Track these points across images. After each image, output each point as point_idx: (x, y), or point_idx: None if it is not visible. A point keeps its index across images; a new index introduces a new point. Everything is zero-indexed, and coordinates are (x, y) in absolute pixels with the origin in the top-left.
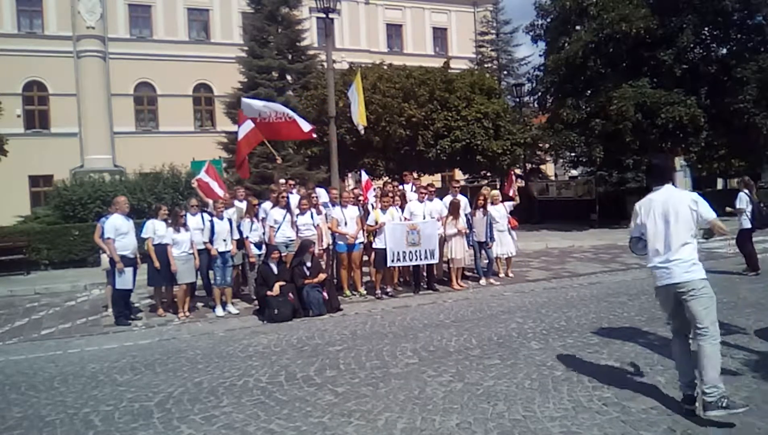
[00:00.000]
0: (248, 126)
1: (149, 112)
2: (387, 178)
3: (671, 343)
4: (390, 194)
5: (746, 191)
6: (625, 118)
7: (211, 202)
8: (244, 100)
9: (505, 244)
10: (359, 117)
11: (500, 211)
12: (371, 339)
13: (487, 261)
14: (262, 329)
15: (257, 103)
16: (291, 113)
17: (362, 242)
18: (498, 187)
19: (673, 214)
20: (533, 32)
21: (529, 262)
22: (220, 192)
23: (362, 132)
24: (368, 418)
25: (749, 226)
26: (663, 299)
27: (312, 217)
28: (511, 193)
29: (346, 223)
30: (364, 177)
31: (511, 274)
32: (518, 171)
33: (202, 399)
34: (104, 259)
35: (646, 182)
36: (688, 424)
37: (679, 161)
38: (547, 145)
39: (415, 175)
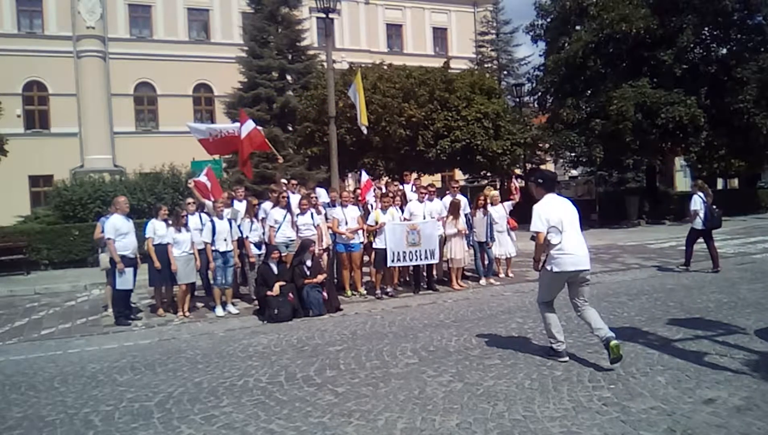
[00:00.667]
0: (249, 126)
1: (149, 112)
2: (387, 178)
3: (547, 316)
4: (390, 194)
5: (700, 194)
6: (625, 118)
7: (208, 202)
8: (190, 124)
9: (504, 245)
10: (361, 117)
11: (500, 212)
12: (371, 339)
13: (488, 261)
14: (262, 329)
15: (201, 126)
16: (235, 127)
17: (362, 242)
18: (498, 187)
19: (573, 215)
20: (533, 32)
21: (529, 262)
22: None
23: (365, 132)
24: (368, 418)
25: (701, 227)
26: (562, 281)
27: (312, 217)
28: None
29: (346, 223)
30: (365, 177)
31: (511, 274)
32: (518, 171)
33: (202, 399)
34: (103, 258)
35: (537, 193)
36: (688, 424)
37: (679, 161)
38: (547, 145)
39: (415, 175)
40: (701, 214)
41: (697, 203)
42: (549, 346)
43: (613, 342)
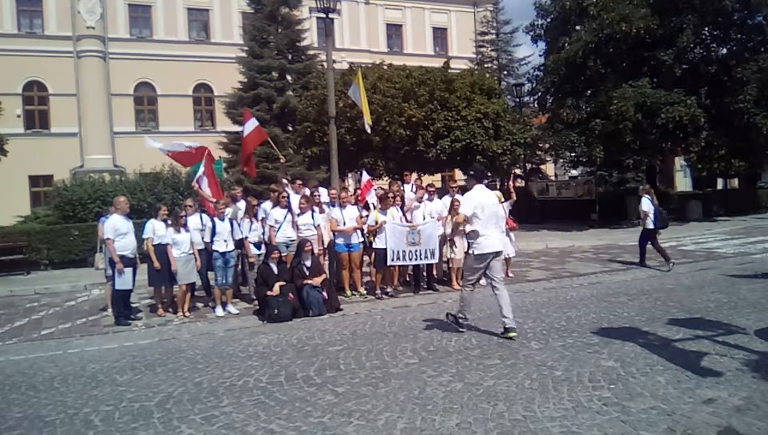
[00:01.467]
0: (252, 124)
1: (149, 112)
2: (388, 178)
3: (467, 296)
4: (391, 195)
5: (649, 196)
6: (625, 118)
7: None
8: (147, 138)
9: (504, 245)
10: (366, 117)
11: (500, 213)
12: (371, 339)
13: None
14: (262, 329)
15: (156, 144)
16: (186, 144)
17: (362, 242)
18: (497, 187)
19: (494, 204)
20: (533, 32)
21: (529, 262)
22: (207, 190)
23: (369, 131)
24: (368, 418)
25: (652, 226)
26: (484, 262)
27: (312, 216)
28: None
29: (344, 224)
30: (365, 177)
31: (511, 275)
32: (518, 171)
33: (202, 399)
34: (98, 258)
35: (469, 183)
36: (688, 424)
37: (679, 161)
38: (547, 145)
39: (415, 175)
40: (651, 215)
41: (647, 205)
42: (455, 316)
43: (512, 333)
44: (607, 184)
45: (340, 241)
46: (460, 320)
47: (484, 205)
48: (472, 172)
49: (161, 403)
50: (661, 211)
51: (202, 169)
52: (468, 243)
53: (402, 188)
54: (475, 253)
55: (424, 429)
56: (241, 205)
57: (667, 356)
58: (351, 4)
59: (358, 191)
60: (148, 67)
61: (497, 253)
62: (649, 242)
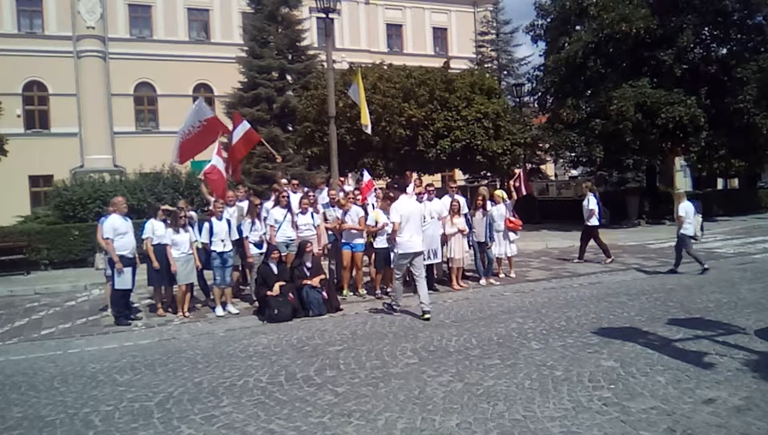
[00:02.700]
0: (243, 128)
1: (149, 112)
2: (389, 178)
3: (398, 286)
4: (392, 195)
5: (595, 194)
6: (625, 118)
7: (211, 199)
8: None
9: (503, 244)
10: (363, 118)
11: (500, 211)
12: (371, 339)
13: (488, 261)
14: (262, 329)
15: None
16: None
17: (364, 243)
18: (498, 187)
19: (417, 212)
20: (533, 32)
21: (529, 262)
22: (225, 173)
23: (369, 132)
24: (368, 418)
25: (597, 223)
26: (407, 259)
27: (312, 216)
28: (523, 189)
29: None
30: (366, 177)
31: (512, 274)
32: (517, 170)
33: (202, 399)
34: (98, 259)
35: (394, 195)
36: (688, 424)
37: (679, 161)
38: (547, 145)
39: (415, 175)
40: (597, 212)
41: (593, 202)
42: (389, 304)
43: (427, 315)
44: (607, 184)
45: (345, 239)
46: (394, 307)
47: (409, 214)
48: (396, 185)
49: (161, 403)
50: (604, 209)
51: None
52: (390, 245)
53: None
54: (399, 252)
55: (424, 429)
56: (243, 205)
57: (667, 356)
58: (351, 4)
59: (356, 192)
60: (148, 67)
61: (418, 253)
62: (592, 239)
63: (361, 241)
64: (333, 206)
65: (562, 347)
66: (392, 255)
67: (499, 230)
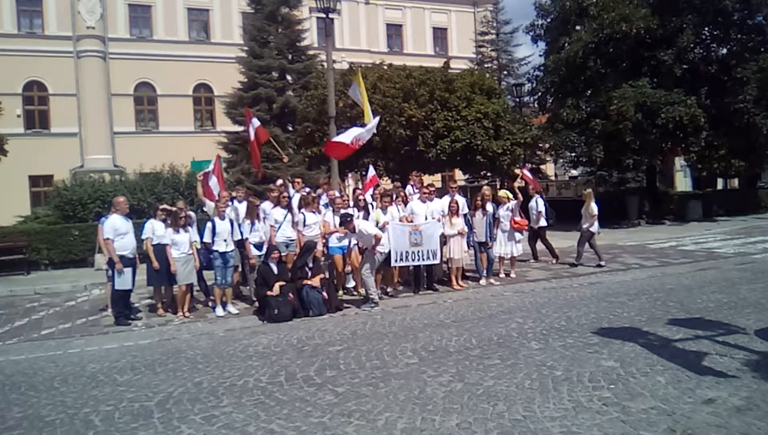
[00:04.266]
0: (256, 123)
1: (149, 112)
2: (389, 179)
3: (370, 280)
4: (392, 195)
5: (542, 196)
6: (625, 118)
7: (210, 203)
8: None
9: (507, 244)
10: (366, 116)
11: (506, 211)
12: (371, 339)
13: (488, 261)
14: (262, 329)
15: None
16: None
17: (357, 244)
18: (498, 187)
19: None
20: (533, 32)
21: (529, 262)
22: (216, 189)
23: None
24: (368, 418)
25: (545, 224)
26: (379, 259)
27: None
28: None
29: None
30: (371, 172)
31: (513, 274)
32: (518, 171)
33: (202, 399)
34: (98, 259)
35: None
36: (688, 424)
37: (679, 161)
38: (547, 145)
39: (415, 173)
40: (544, 214)
41: (541, 204)
42: (368, 298)
43: (377, 307)
44: (607, 184)
45: (333, 243)
46: (372, 298)
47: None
48: (348, 218)
49: (161, 403)
50: (550, 211)
51: (211, 166)
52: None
53: (404, 193)
54: (382, 251)
55: (424, 429)
56: (242, 206)
57: (667, 356)
58: (351, 4)
59: (358, 191)
60: (148, 67)
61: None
62: (538, 240)
63: (346, 242)
64: (331, 207)
65: (562, 347)
66: (393, 254)
67: (505, 230)
